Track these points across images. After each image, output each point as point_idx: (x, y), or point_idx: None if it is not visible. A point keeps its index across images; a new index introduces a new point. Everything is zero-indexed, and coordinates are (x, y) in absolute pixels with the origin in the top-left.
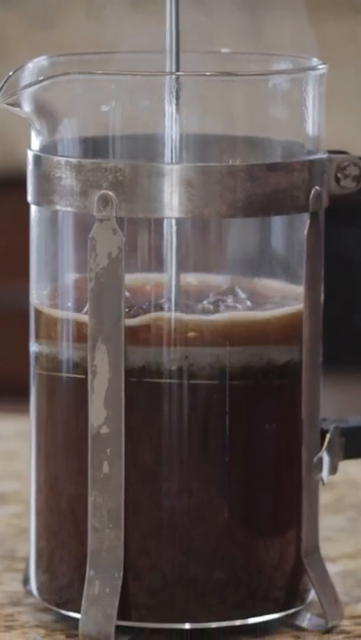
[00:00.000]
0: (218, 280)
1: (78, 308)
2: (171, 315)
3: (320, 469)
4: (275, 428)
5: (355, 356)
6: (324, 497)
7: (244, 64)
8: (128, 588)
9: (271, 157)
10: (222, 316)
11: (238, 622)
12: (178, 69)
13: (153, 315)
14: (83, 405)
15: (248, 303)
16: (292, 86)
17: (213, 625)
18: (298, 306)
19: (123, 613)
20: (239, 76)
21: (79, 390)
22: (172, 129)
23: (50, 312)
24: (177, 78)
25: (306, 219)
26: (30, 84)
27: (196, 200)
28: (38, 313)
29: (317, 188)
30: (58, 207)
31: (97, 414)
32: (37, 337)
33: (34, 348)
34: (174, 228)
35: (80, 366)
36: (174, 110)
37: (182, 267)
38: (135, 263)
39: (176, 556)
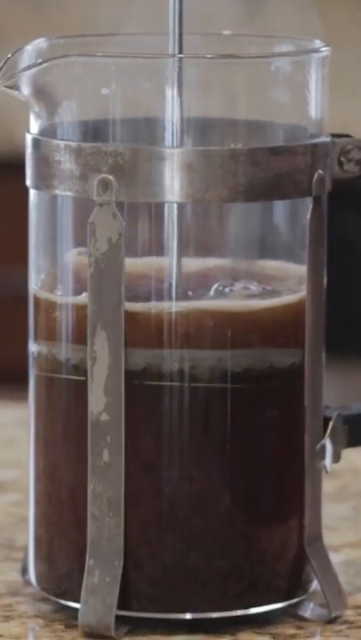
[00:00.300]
0: (219, 265)
1: (78, 294)
2: (172, 300)
3: (323, 457)
4: (277, 415)
5: (358, 341)
6: (327, 485)
7: (246, 46)
8: (128, 577)
9: (273, 141)
10: (224, 301)
11: (240, 612)
12: (181, 52)
13: (154, 301)
14: (83, 393)
15: (250, 288)
16: (294, 69)
17: (215, 615)
18: (301, 290)
19: (123, 603)
20: (241, 58)
21: (79, 378)
22: (172, 112)
23: (49, 298)
24: (179, 61)
25: (309, 203)
26: (29, 67)
27: (197, 184)
28: (37, 298)
29: (320, 171)
30: (57, 191)
31: (97, 402)
32: (36, 325)
33: (32, 346)
34: (175, 212)
35: (80, 354)
36: (175, 93)
37: (183, 252)
38: (135, 248)
39: (177, 544)
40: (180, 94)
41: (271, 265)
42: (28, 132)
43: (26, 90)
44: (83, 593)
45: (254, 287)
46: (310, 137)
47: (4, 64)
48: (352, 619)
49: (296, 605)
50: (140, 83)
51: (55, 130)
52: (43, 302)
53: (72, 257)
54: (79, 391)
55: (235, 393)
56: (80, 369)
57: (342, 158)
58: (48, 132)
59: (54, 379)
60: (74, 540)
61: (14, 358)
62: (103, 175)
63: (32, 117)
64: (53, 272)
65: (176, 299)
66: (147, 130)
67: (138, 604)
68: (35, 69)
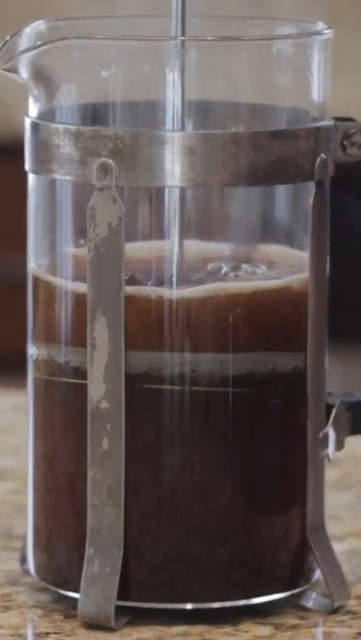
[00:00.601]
0: (221, 250)
1: (77, 279)
2: (173, 284)
3: (326, 445)
4: (279, 402)
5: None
6: (330, 473)
7: (248, 29)
8: (128, 567)
9: (276, 124)
10: (225, 284)
11: (242, 602)
12: (184, 34)
13: (154, 286)
14: (82, 380)
15: (252, 273)
16: (296, 51)
17: (216, 605)
18: (303, 275)
19: (123, 593)
20: (243, 40)
21: (79, 366)
22: (173, 95)
23: (48, 283)
24: (180, 43)
25: (311, 187)
26: (28, 50)
27: (198, 168)
28: (36, 284)
29: (323, 155)
30: (56, 176)
31: (96, 389)
32: (35, 312)
33: (31, 348)
34: (176, 197)
35: (80, 340)
36: (176, 76)
37: (184, 237)
38: (136, 233)
39: (178, 533)
40: (181, 77)
41: (273, 250)
42: (27, 115)
43: (24, 73)
44: (82, 583)
45: (256, 271)
46: (313, 120)
47: (3, 46)
48: (355, 609)
49: (298, 595)
50: (140, 65)
51: (54, 113)
52: (42, 287)
53: (71, 243)
54: (79, 379)
55: (236, 379)
56: (80, 356)
57: (345, 142)
58: (47, 115)
59: (54, 366)
60: (73, 530)
61: (12, 345)
62: (103, 159)
63: (31, 101)
64: (53, 257)
65: (177, 283)
66: (147, 113)
67: (138, 594)
68: (33, 52)
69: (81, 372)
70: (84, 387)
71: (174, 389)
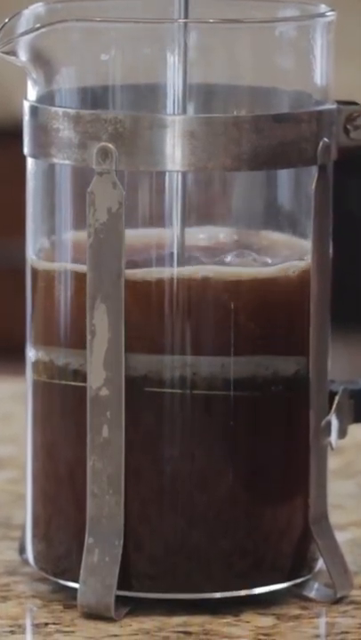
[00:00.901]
0: (222, 235)
1: (76, 265)
2: (174, 270)
3: (328, 433)
4: (282, 390)
5: None
6: (333, 462)
7: (250, 11)
8: (128, 556)
9: (278, 108)
10: (227, 269)
11: (243, 592)
12: (185, 16)
13: (155, 269)
14: (82, 369)
15: (253, 259)
16: (299, 34)
17: (217, 595)
18: (306, 261)
19: (123, 583)
20: (245, 23)
21: (79, 353)
22: (174, 79)
23: (47, 268)
24: (183, 25)
25: (314, 172)
26: (27, 32)
27: (199, 152)
28: (35, 270)
29: (326, 139)
30: (55, 160)
31: (96, 376)
32: (34, 292)
33: (30, 351)
34: (177, 181)
35: (79, 327)
36: (177, 59)
37: (185, 222)
38: (136, 218)
39: (179, 523)
40: (183, 60)
41: (275, 235)
42: (26, 99)
43: (23, 56)
44: (82, 573)
45: (258, 257)
46: (315, 104)
47: (1, 29)
48: (358, 599)
49: (301, 585)
50: (140, 48)
51: (53, 97)
52: (41, 273)
53: (71, 229)
54: (78, 367)
55: (237, 366)
56: (80, 344)
57: (348, 126)
58: (46, 99)
59: (52, 353)
60: (73, 519)
61: (10, 331)
62: (103, 143)
63: (30, 84)
64: (52, 242)
65: (178, 269)
66: (148, 97)
67: (138, 584)
68: (32, 35)
69: (82, 359)
70: (85, 376)
71: (175, 375)
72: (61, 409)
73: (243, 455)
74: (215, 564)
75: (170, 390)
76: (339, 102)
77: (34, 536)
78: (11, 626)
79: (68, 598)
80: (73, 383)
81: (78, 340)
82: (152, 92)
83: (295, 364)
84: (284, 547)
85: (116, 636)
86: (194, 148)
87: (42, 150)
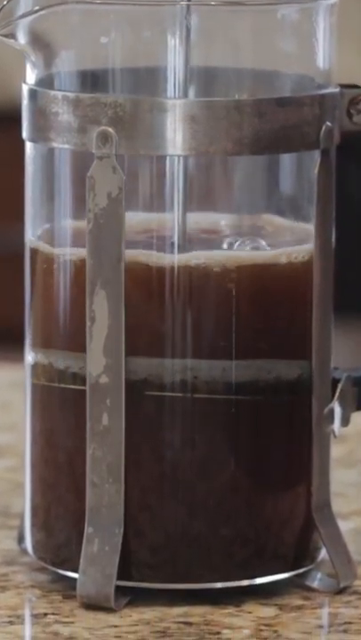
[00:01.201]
0: (223, 221)
1: (76, 251)
2: (174, 255)
3: (331, 421)
4: (284, 376)
5: None
6: (335, 450)
7: None
8: (129, 546)
9: (280, 92)
10: (228, 255)
11: (245, 582)
12: None
13: (155, 258)
14: (82, 356)
15: (255, 244)
16: (301, 17)
17: (218, 585)
18: (308, 247)
19: (123, 573)
20: (247, 5)
21: (78, 340)
22: (175, 62)
23: (46, 253)
24: (184, 8)
25: (316, 156)
26: (25, 15)
27: (200, 137)
28: (34, 255)
29: (328, 123)
30: (54, 144)
31: (96, 363)
32: (33, 279)
33: (29, 354)
34: (177, 166)
35: (78, 312)
36: (178, 42)
37: (186, 207)
38: (136, 203)
39: (179, 512)
40: (183, 43)
41: (277, 220)
42: (25, 82)
43: (22, 38)
44: (81, 562)
45: (260, 242)
46: (318, 87)
47: (0, 11)
48: None
49: (303, 575)
50: (140, 31)
51: (52, 80)
52: (40, 259)
53: (70, 214)
54: (80, 351)
55: (239, 353)
56: (79, 330)
57: (351, 110)
58: (45, 82)
59: (52, 338)
60: (72, 508)
61: (8, 318)
62: (102, 127)
63: (28, 67)
64: (50, 228)
65: (179, 254)
66: (148, 80)
67: (139, 573)
68: (31, 17)
69: (80, 349)
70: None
71: (175, 362)
72: (61, 405)
73: (244, 442)
74: (216, 553)
75: (170, 390)
76: (342, 86)
77: (33, 525)
78: (9, 616)
79: (68, 588)
80: (73, 320)
81: (79, 323)
82: (153, 75)
83: (299, 349)
84: (286, 536)
85: (115, 626)
86: (195, 132)
87: (41, 134)
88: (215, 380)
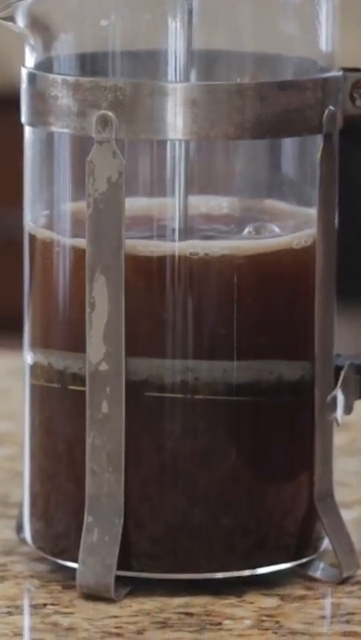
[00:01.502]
0: (224, 206)
1: (75, 237)
2: (175, 241)
3: (334, 409)
4: (286, 364)
5: None
6: (338, 438)
7: None
8: (129, 535)
9: (282, 75)
10: (230, 241)
11: (247, 572)
12: None
13: (156, 242)
14: (82, 342)
15: (256, 230)
16: None
17: (219, 575)
18: (311, 232)
19: (123, 563)
20: None
21: (77, 325)
22: (176, 45)
23: (45, 239)
24: None
25: (319, 141)
26: None
27: (201, 121)
28: (33, 241)
29: (331, 107)
30: (54, 128)
31: (95, 350)
32: (32, 265)
33: (28, 354)
34: (178, 150)
35: (77, 299)
36: (179, 25)
37: (187, 192)
38: (136, 188)
39: (180, 501)
40: (185, 26)
41: (280, 206)
42: (24, 66)
43: (21, 21)
44: (81, 552)
45: (262, 228)
46: (321, 71)
47: None
48: None
49: (306, 565)
50: (141, 13)
51: (52, 64)
52: (39, 245)
53: (69, 199)
54: (78, 339)
55: (240, 339)
56: (78, 315)
57: (355, 93)
58: (44, 65)
59: (51, 323)
60: (71, 497)
61: (6, 304)
62: (102, 111)
63: (27, 51)
64: (50, 213)
65: (180, 240)
66: (148, 64)
67: (139, 563)
68: (30, 0)
69: (81, 334)
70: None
71: (176, 350)
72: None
73: (246, 431)
74: (217, 543)
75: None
76: (344, 69)
77: (32, 515)
78: (8, 607)
79: (67, 578)
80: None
81: (80, 310)
82: (153, 58)
83: (301, 338)
84: (288, 525)
85: (115, 617)
86: (196, 116)
87: (40, 118)
88: (215, 380)
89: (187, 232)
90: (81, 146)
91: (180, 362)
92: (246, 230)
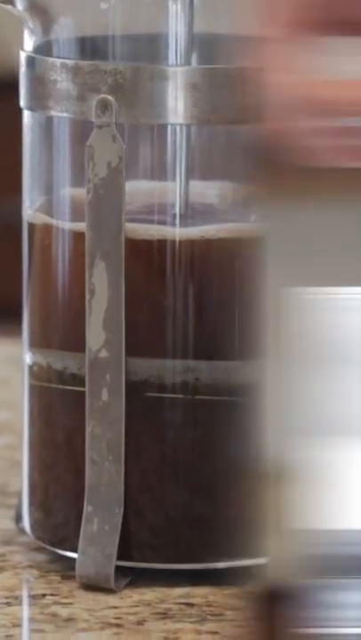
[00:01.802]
0: (225, 191)
1: (75, 222)
2: (176, 226)
3: None
4: None
5: None
6: None
7: None
8: (129, 525)
9: None
10: (230, 226)
11: (248, 562)
12: None
13: (158, 227)
14: (81, 328)
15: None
16: None
17: (221, 565)
18: None
19: (123, 553)
20: None
21: (76, 312)
22: (176, 28)
23: (44, 225)
24: None
25: None
26: None
27: (202, 105)
28: (32, 226)
29: None
30: (53, 113)
31: (95, 337)
32: (31, 251)
33: (27, 354)
34: (179, 135)
35: (76, 287)
36: (180, 8)
37: (188, 177)
38: (136, 173)
39: (181, 491)
40: (186, 9)
41: None
42: (23, 49)
43: (20, 4)
44: (80, 542)
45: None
46: None
47: None
48: None
49: None
50: None
51: (51, 47)
52: (38, 230)
53: (69, 184)
54: (77, 325)
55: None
56: (76, 302)
57: None
58: (43, 49)
59: (50, 311)
60: (71, 486)
61: (5, 292)
62: (102, 95)
63: (26, 34)
64: (49, 198)
65: (180, 225)
66: (149, 47)
67: (139, 553)
68: None
69: (81, 320)
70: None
71: (176, 339)
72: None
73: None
74: (219, 533)
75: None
76: None
77: (31, 504)
78: (7, 597)
79: (67, 568)
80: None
81: (79, 295)
82: (153, 42)
83: None
84: None
85: (115, 607)
86: (196, 100)
87: (39, 103)
88: (218, 372)
89: (188, 217)
90: (81, 130)
91: (181, 350)
92: (245, 215)
